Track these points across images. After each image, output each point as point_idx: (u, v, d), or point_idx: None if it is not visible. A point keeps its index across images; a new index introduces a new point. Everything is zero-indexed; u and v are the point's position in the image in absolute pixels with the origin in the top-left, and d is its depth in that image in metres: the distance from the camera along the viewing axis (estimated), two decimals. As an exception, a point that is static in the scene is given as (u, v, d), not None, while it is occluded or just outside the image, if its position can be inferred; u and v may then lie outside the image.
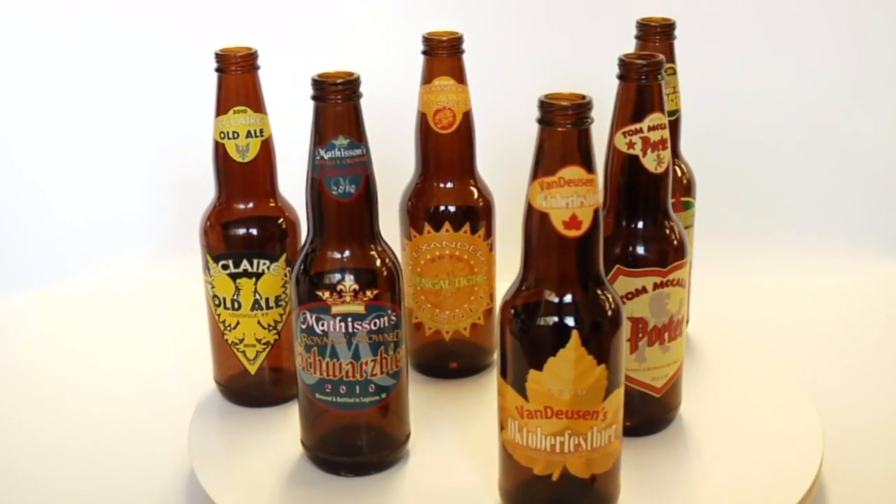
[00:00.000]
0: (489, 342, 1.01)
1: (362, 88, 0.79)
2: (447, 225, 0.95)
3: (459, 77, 0.94)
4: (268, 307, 0.93)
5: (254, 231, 0.92)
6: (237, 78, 0.89)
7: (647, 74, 0.81)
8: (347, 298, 0.79)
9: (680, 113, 1.00)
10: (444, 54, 0.93)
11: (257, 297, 0.92)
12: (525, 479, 0.76)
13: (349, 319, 0.80)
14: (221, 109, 0.90)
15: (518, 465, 0.76)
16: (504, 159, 1.00)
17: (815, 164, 1.40)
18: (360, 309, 0.80)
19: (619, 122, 0.83)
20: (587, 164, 0.70)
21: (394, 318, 0.81)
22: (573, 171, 0.69)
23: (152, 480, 0.95)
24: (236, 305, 0.93)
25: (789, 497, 0.82)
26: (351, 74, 0.78)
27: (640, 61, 0.81)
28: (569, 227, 0.70)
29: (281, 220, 0.93)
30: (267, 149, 0.91)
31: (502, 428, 0.77)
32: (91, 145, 1.39)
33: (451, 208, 0.96)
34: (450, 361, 1.01)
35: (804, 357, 1.13)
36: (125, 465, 0.98)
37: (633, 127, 0.82)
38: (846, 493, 0.91)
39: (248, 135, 0.90)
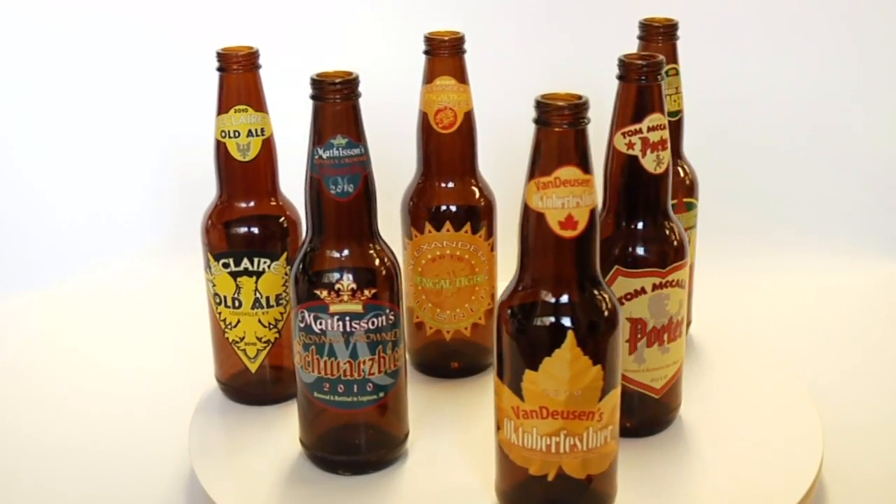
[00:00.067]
0: (490, 342, 1.01)
1: (364, 88, 0.79)
2: (448, 224, 0.95)
3: (461, 77, 0.94)
4: (268, 306, 0.93)
5: (255, 230, 0.92)
6: (238, 77, 0.89)
7: (646, 75, 0.81)
8: (345, 297, 0.80)
9: (682, 113, 1.00)
10: (445, 54, 0.93)
11: (258, 295, 0.93)
12: (521, 479, 0.76)
13: (347, 318, 0.80)
14: (223, 108, 0.90)
15: (514, 466, 0.76)
16: (505, 159, 1.00)
17: (815, 164, 1.40)
18: (358, 308, 0.80)
19: (618, 122, 0.83)
20: (583, 164, 0.70)
21: (392, 317, 0.81)
22: (569, 172, 0.69)
23: (152, 480, 0.95)
24: (237, 304, 0.93)
25: (789, 497, 0.82)
26: (349, 74, 0.78)
27: (639, 62, 0.81)
28: (565, 227, 0.70)
29: (282, 218, 0.93)
30: (268, 148, 0.92)
31: (499, 428, 0.77)
32: (91, 145, 1.39)
33: (453, 208, 0.96)
34: (451, 361, 1.01)
35: (804, 357, 1.13)
36: (125, 465, 0.98)
37: (632, 127, 0.82)
38: (846, 493, 0.91)
39: (249, 134, 0.90)
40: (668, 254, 0.85)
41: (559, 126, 0.69)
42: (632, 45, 0.97)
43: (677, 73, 0.98)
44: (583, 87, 0.78)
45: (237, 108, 0.90)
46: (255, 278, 0.92)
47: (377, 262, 0.81)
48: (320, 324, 0.80)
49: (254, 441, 0.91)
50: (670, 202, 0.86)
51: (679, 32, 0.97)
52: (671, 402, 0.90)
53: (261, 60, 0.90)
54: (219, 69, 0.89)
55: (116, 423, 1.05)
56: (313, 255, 0.81)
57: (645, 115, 0.82)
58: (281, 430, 0.92)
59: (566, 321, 0.71)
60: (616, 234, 0.85)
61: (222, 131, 0.90)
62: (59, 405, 1.09)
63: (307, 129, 0.79)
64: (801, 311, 1.27)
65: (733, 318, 1.19)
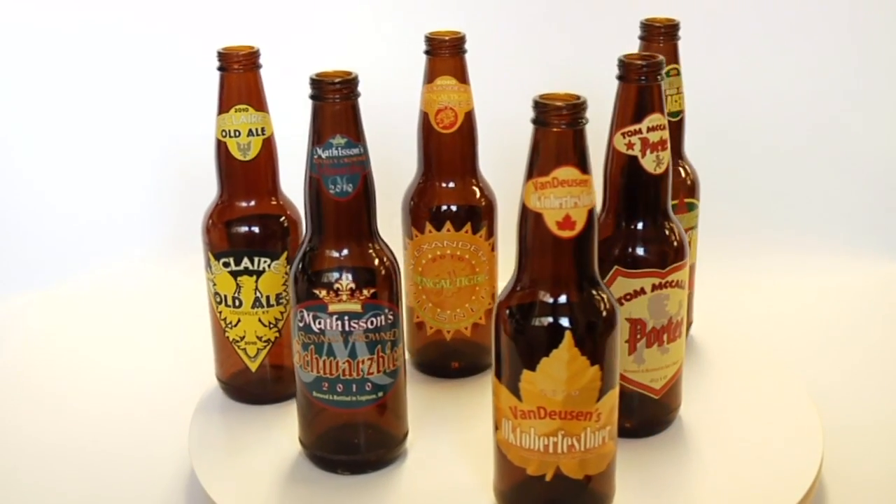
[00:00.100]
0: (490, 342, 1.01)
1: (365, 88, 0.79)
2: (449, 224, 0.95)
3: (461, 77, 0.94)
4: (268, 305, 0.93)
5: (255, 229, 0.93)
6: (239, 76, 0.90)
7: (646, 75, 0.81)
8: (344, 297, 0.80)
9: (684, 114, 1.00)
10: (446, 54, 0.93)
11: (258, 294, 0.93)
12: (519, 479, 0.76)
13: (346, 318, 0.80)
14: (223, 108, 0.90)
15: (512, 466, 0.76)
16: (506, 159, 1.00)
17: (815, 164, 1.40)
18: (357, 307, 0.80)
19: (618, 122, 0.83)
20: (581, 164, 0.70)
21: (391, 316, 0.82)
22: (567, 172, 0.69)
23: (152, 480, 0.95)
24: (237, 303, 0.93)
25: (789, 497, 0.82)
26: (349, 74, 0.78)
27: (639, 62, 0.81)
28: (562, 227, 0.70)
29: (283, 218, 0.93)
30: (268, 147, 0.92)
31: (497, 428, 0.77)
32: (92, 144, 1.39)
33: (453, 208, 0.96)
34: (451, 361, 1.01)
35: (804, 357, 1.13)
36: (125, 465, 0.98)
37: (632, 128, 0.82)
38: (846, 493, 0.91)
39: (250, 133, 0.90)
40: (668, 254, 0.85)
41: (557, 126, 0.69)
42: (633, 46, 0.97)
43: (678, 74, 0.98)
44: (584, 87, 0.78)
45: (238, 107, 0.90)
46: (255, 277, 0.92)
47: (376, 261, 0.81)
48: (319, 323, 0.80)
49: (254, 440, 0.91)
50: (670, 202, 0.86)
51: (680, 33, 0.97)
52: (671, 402, 0.90)
53: (261, 60, 0.90)
54: (219, 69, 0.89)
55: (116, 423, 1.05)
56: (312, 255, 0.81)
57: (645, 115, 0.81)
58: (281, 430, 0.92)
59: (564, 321, 0.71)
60: (616, 234, 0.85)
61: (223, 131, 0.90)
62: (59, 405, 1.10)
63: (308, 128, 0.79)
64: (801, 311, 1.27)
65: (733, 318, 1.19)
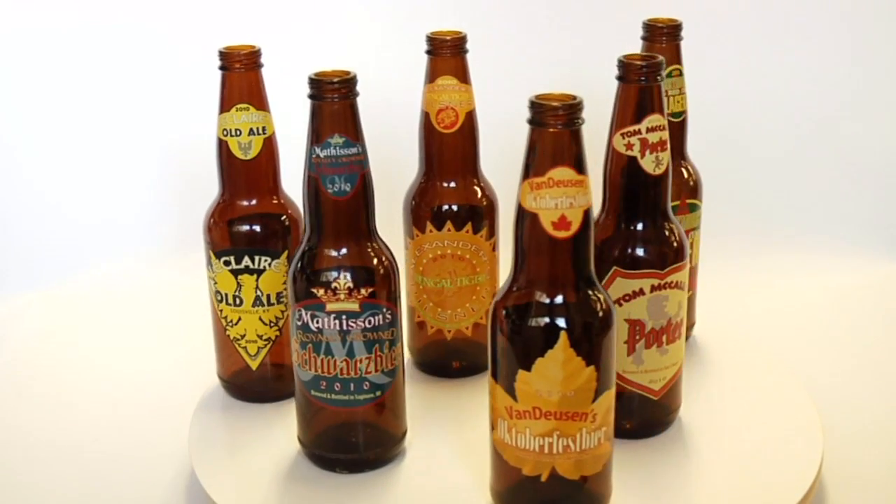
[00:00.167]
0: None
1: (366, 87, 0.79)
2: (449, 224, 0.95)
3: (463, 77, 0.94)
4: (269, 304, 0.94)
5: (256, 228, 0.93)
6: (240, 76, 0.90)
7: (646, 76, 0.81)
8: (342, 296, 0.80)
9: (686, 114, 0.99)
10: (447, 54, 0.93)
11: (259, 293, 0.93)
12: (515, 479, 0.76)
13: (343, 317, 0.80)
14: (224, 107, 0.90)
15: (508, 466, 0.76)
16: (508, 159, 1.00)
17: (816, 164, 1.39)
18: (355, 306, 0.80)
19: (617, 123, 0.83)
20: (577, 164, 0.70)
21: (389, 316, 0.82)
22: (563, 172, 0.69)
23: (152, 480, 0.95)
24: (238, 301, 0.94)
25: (789, 497, 0.82)
26: (347, 73, 0.78)
27: (638, 62, 0.81)
28: (558, 227, 0.70)
29: (284, 217, 0.93)
30: (269, 146, 0.92)
31: (493, 428, 0.77)
32: (92, 144, 1.39)
33: (454, 208, 0.96)
34: (452, 360, 1.01)
35: (804, 357, 1.12)
36: (125, 464, 0.98)
37: (631, 128, 0.82)
38: (846, 493, 0.91)
39: (251, 132, 0.90)
40: (668, 255, 0.84)
41: (553, 126, 0.69)
42: (636, 46, 0.97)
43: (681, 74, 0.98)
44: (585, 87, 0.78)
45: (239, 106, 0.90)
46: (255, 276, 0.92)
47: (374, 261, 0.81)
48: (317, 322, 0.80)
49: (254, 439, 0.92)
50: (670, 203, 0.86)
51: (683, 33, 0.97)
52: (670, 403, 0.90)
53: (263, 59, 0.90)
54: (221, 68, 0.90)
55: (117, 422, 1.06)
56: (311, 254, 0.81)
57: (644, 115, 0.81)
58: (281, 429, 0.92)
59: (559, 322, 0.71)
60: (615, 234, 0.85)
61: (224, 130, 0.91)
62: (59, 405, 1.10)
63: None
64: (802, 311, 1.27)
65: (733, 319, 1.19)
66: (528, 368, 0.72)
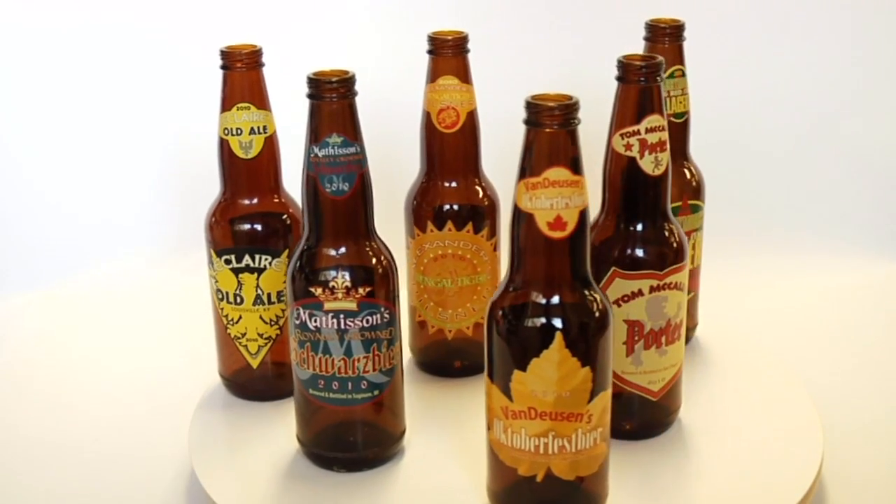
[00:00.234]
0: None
1: (368, 87, 0.79)
2: (450, 224, 0.95)
3: (464, 76, 0.94)
4: (270, 302, 0.94)
5: (258, 226, 0.93)
6: (241, 75, 0.90)
7: (645, 76, 0.81)
8: (339, 295, 0.80)
9: (689, 115, 0.99)
10: (448, 54, 0.93)
11: (259, 291, 0.93)
12: (511, 480, 0.76)
13: (341, 316, 0.80)
14: (226, 106, 0.91)
15: (504, 466, 0.76)
16: (509, 159, 1.00)
17: (818, 165, 1.39)
18: (353, 306, 0.80)
19: (617, 123, 0.83)
20: (573, 165, 0.70)
21: (387, 315, 0.82)
22: (558, 173, 0.69)
23: (152, 480, 0.95)
24: (238, 300, 0.94)
25: (789, 497, 0.82)
26: (345, 73, 0.78)
27: (638, 63, 0.81)
28: (553, 228, 0.70)
29: (285, 216, 0.94)
30: (271, 145, 0.92)
31: (489, 428, 0.77)
32: (93, 143, 1.39)
33: (455, 207, 0.96)
34: (453, 360, 1.01)
35: (804, 357, 1.12)
36: (125, 464, 0.98)
37: (630, 129, 0.82)
38: (846, 493, 0.91)
39: (252, 131, 0.91)
40: (667, 256, 0.84)
41: (549, 127, 0.69)
42: (637, 46, 0.97)
43: (683, 75, 0.97)
44: (586, 87, 0.78)
45: (240, 105, 0.90)
46: (256, 275, 0.93)
47: (373, 260, 0.81)
48: (315, 321, 0.81)
49: (253, 437, 0.92)
50: (669, 204, 0.86)
51: (686, 34, 0.96)
52: (670, 404, 0.90)
53: (264, 59, 0.91)
54: (222, 67, 0.90)
55: (117, 422, 1.06)
56: (309, 253, 0.81)
57: (643, 116, 0.81)
58: (281, 427, 0.92)
59: (555, 322, 0.71)
60: (614, 235, 0.85)
61: (225, 129, 0.91)
62: (59, 405, 1.10)
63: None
64: (802, 311, 1.27)
65: (734, 319, 1.19)
66: (523, 369, 0.72)
